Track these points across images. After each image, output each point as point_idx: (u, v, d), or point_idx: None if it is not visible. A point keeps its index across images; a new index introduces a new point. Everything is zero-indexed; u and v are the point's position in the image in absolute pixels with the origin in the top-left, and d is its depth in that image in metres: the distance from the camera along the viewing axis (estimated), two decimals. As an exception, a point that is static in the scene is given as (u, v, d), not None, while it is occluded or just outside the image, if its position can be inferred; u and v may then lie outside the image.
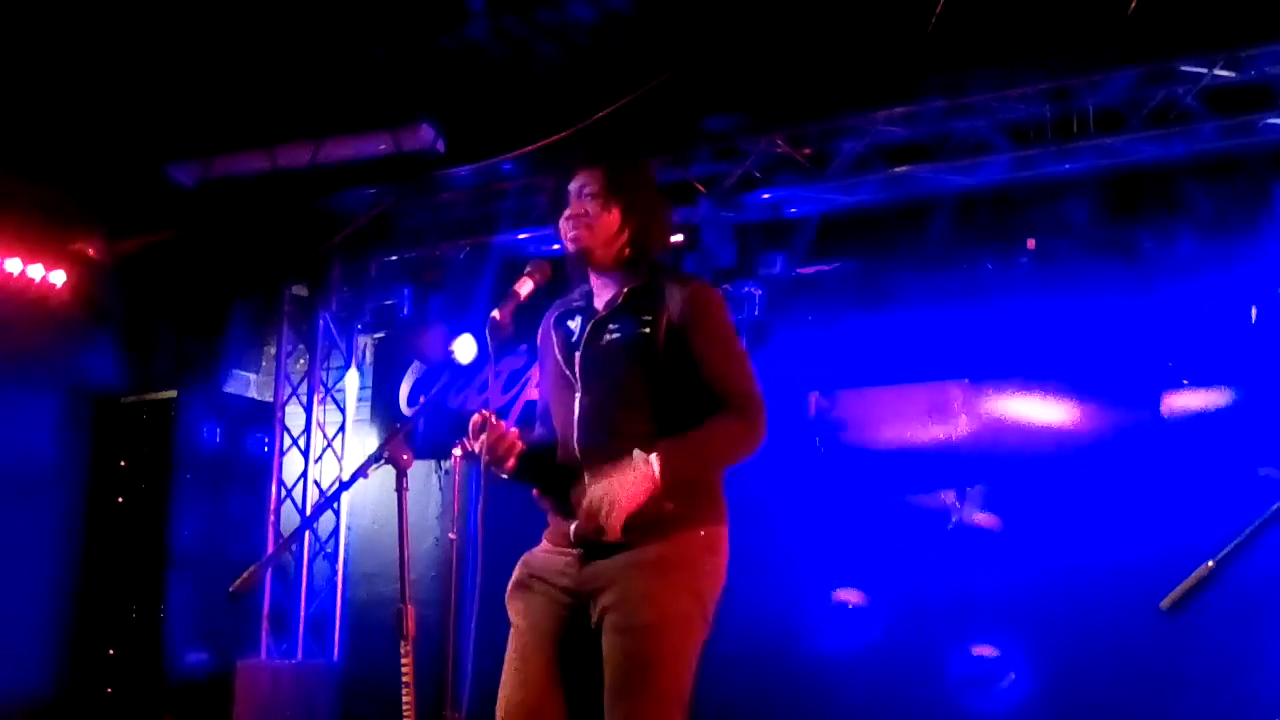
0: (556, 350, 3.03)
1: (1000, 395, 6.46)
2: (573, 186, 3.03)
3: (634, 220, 3.00)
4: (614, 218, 2.99)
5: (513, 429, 2.89)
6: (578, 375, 2.95)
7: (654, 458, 2.73)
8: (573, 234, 2.98)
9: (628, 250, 3.01)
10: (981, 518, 6.33)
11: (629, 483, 2.72)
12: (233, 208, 7.45)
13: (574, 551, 2.90)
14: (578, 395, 2.94)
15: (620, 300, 2.98)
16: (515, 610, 2.96)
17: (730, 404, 2.87)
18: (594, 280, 3.06)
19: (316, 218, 7.70)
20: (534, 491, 3.02)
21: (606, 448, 2.85)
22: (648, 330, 2.90)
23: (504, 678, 2.91)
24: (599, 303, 3.03)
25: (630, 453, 2.77)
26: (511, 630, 2.95)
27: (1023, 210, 6.39)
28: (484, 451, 2.83)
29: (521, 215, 7.22)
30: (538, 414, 3.10)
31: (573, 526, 2.89)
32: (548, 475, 2.97)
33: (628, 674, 2.77)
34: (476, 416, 2.85)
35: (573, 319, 3.05)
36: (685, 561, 2.85)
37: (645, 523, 2.80)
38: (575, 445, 2.91)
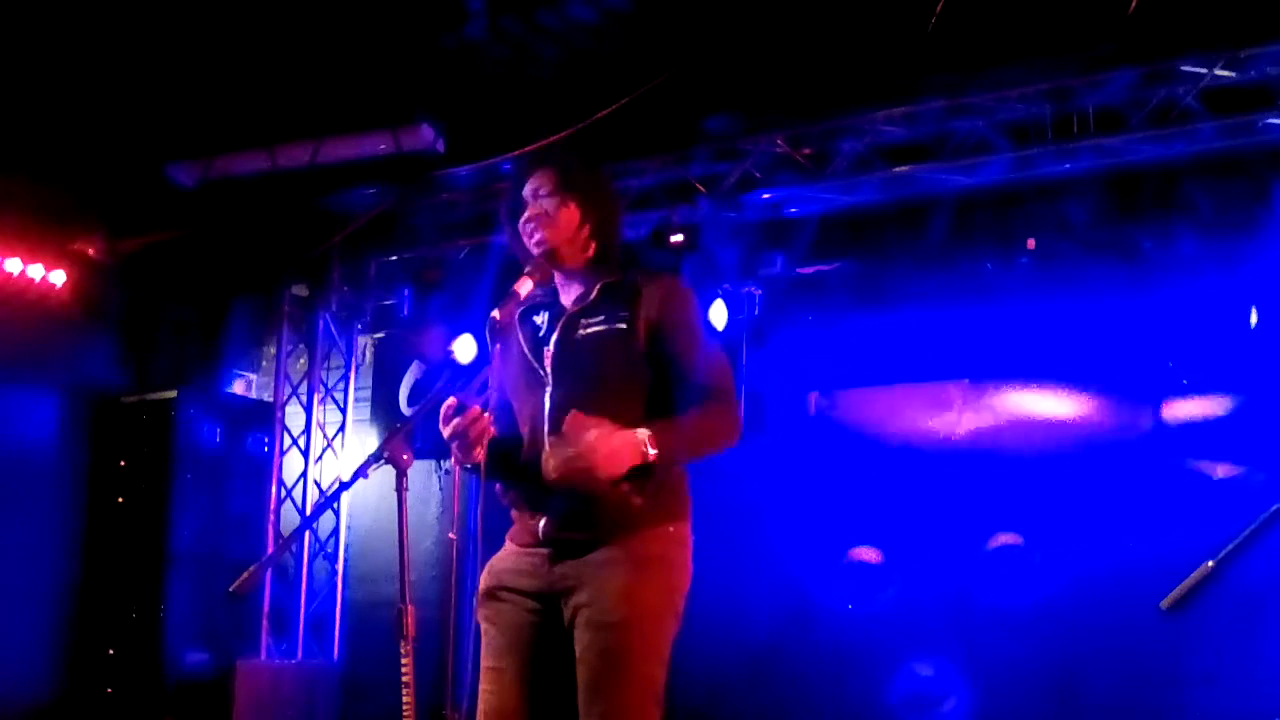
0: (523, 345, 3.00)
1: (1000, 395, 6.46)
2: (527, 190, 3.02)
3: (593, 214, 3.00)
4: (573, 213, 2.97)
5: (486, 413, 2.87)
6: (548, 370, 2.94)
7: (647, 434, 2.74)
8: (536, 236, 2.97)
9: (592, 245, 3.00)
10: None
11: (618, 445, 2.72)
12: (233, 208, 7.44)
13: (543, 551, 2.88)
14: (548, 390, 2.92)
15: (594, 296, 2.97)
16: (485, 618, 2.95)
17: (713, 398, 2.88)
18: (558, 279, 3.05)
19: (316, 218, 7.70)
20: (497, 487, 3.00)
21: None
22: (625, 325, 2.90)
23: (481, 685, 2.91)
24: (566, 298, 3.02)
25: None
26: (484, 636, 2.95)
27: (1023, 210, 6.39)
28: (455, 436, 2.81)
29: (521, 215, 7.20)
30: (494, 410, 3.04)
31: (541, 524, 2.87)
32: (513, 471, 2.95)
33: (603, 671, 2.78)
34: (450, 400, 2.83)
35: (538, 314, 3.04)
36: (656, 557, 2.85)
37: (614, 519, 2.81)
38: (546, 441, 2.88)
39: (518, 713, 2.87)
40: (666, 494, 2.90)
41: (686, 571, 2.92)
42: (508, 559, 2.96)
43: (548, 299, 3.04)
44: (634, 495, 2.82)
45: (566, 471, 2.75)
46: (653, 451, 2.74)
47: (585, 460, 2.71)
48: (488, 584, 2.96)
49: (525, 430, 2.96)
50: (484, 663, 2.92)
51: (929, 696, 6.21)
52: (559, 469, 2.77)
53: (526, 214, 3.00)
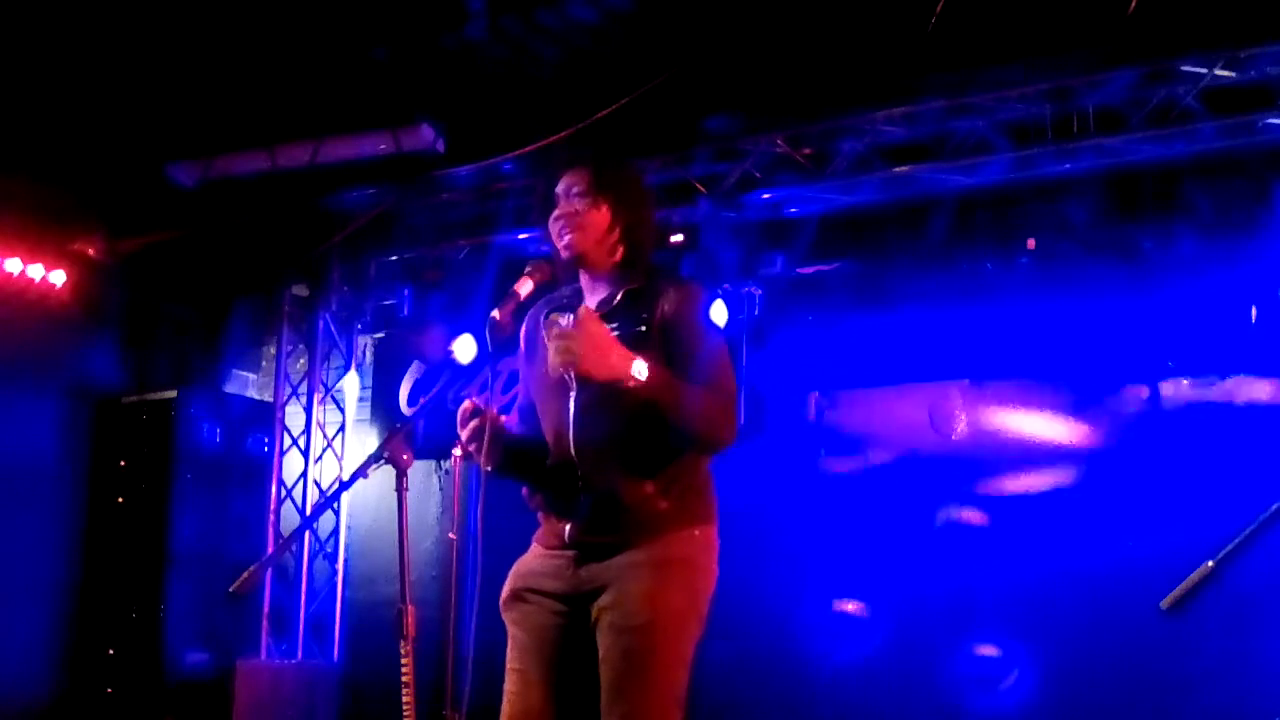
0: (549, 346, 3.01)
1: (1000, 395, 6.46)
2: (560, 188, 3.01)
3: (624, 217, 2.98)
4: (603, 215, 2.96)
5: (502, 415, 2.88)
6: (573, 373, 2.95)
7: (643, 363, 2.74)
8: (566, 238, 2.96)
9: (620, 249, 2.99)
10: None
11: (614, 348, 2.74)
12: (233, 208, 7.44)
13: (569, 553, 2.89)
14: (572, 394, 2.91)
15: (618, 301, 2.96)
16: (511, 620, 2.96)
17: (714, 394, 2.86)
18: (584, 279, 3.04)
19: (316, 218, 7.70)
20: (524, 491, 3.01)
21: (603, 446, 2.85)
22: (644, 329, 2.89)
23: (506, 686, 2.92)
24: (591, 301, 3.01)
25: (626, 451, 2.80)
26: (509, 639, 2.96)
27: (1023, 210, 6.39)
28: (470, 437, 2.81)
29: (521, 215, 7.22)
30: (519, 412, 3.05)
31: (567, 528, 2.89)
32: (537, 473, 2.96)
33: (625, 674, 2.78)
34: (466, 403, 2.84)
35: (564, 316, 3.01)
36: (680, 561, 2.85)
37: (640, 522, 2.82)
38: (570, 444, 2.89)
39: (542, 715, 2.87)
40: (692, 497, 2.90)
41: (711, 575, 2.92)
42: (533, 561, 2.97)
43: (574, 300, 3.03)
44: (659, 499, 2.83)
45: (561, 353, 2.75)
46: (643, 374, 2.73)
47: (577, 342, 2.72)
48: (514, 586, 2.97)
49: (550, 433, 2.96)
50: (509, 665, 2.93)
51: (930, 694, 6.21)
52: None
53: (556, 212, 2.99)
